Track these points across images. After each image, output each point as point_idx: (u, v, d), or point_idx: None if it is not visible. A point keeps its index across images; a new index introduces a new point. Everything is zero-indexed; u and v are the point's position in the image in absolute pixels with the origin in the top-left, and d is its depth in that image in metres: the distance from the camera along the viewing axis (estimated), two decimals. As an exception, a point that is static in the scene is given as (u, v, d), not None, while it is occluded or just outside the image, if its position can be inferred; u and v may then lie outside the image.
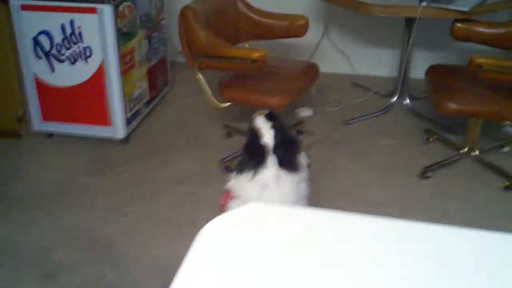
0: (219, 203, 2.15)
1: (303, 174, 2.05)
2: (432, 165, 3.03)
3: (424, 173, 2.98)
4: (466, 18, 2.94)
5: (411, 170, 3.03)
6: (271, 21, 3.17)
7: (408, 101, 3.68)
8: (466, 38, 3.04)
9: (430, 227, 1.20)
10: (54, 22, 3.04)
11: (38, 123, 3.36)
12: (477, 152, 3.06)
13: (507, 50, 3.07)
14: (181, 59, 3.35)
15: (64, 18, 3.02)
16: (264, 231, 1.15)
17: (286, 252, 1.08)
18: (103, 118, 3.25)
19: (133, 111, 3.38)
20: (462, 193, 2.84)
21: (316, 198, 2.69)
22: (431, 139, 3.31)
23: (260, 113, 2.14)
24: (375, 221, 1.22)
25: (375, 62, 4.22)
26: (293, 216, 1.24)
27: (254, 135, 2.05)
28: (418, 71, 3.84)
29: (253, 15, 3.19)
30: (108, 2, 2.94)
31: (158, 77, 3.75)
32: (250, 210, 1.22)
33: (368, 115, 3.61)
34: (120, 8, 3.07)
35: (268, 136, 2.01)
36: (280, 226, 1.17)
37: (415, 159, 3.14)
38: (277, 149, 1.99)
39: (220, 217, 1.17)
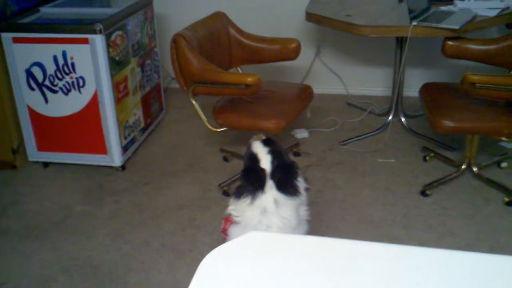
0: (221, 229, 2.13)
1: (302, 198, 2.03)
2: (431, 182, 3.03)
3: (424, 191, 2.97)
4: (456, 36, 2.96)
5: (411, 188, 3.03)
6: (263, 45, 3.19)
7: (403, 119, 3.68)
8: (458, 56, 3.06)
9: (431, 251, 1.18)
10: (46, 53, 3.04)
11: (33, 153, 3.35)
12: (475, 168, 3.06)
13: (498, 66, 3.09)
14: (175, 85, 3.36)
15: (56, 49, 3.03)
16: (266, 261, 1.14)
17: (289, 281, 1.07)
18: (99, 147, 3.24)
19: (129, 138, 3.37)
20: (464, 210, 2.83)
21: (316, 221, 2.69)
22: (428, 156, 3.31)
23: (256, 138, 2.13)
24: (377, 247, 1.21)
25: (369, 82, 4.24)
26: (294, 245, 1.22)
27: (251, 160, 2.04)
28: (412, 89, 3.86)
29: (244, 40, 3.20)
30: (100, 32, 2.95)
31: (153, 103, 3.75)
32: (251, 239, 1.21)
33: (364, 134, 3.61)
34: (112, 37, 3.08)
35: (265, 161, 2.00)
36: (281, 255, 1.16)
37: (414, 177, 3.14)
38: (275, 173, 1.98)
39: (221, 246, 1.16)
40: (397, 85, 3.57)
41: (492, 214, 2.79)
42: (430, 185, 3.00)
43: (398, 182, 3.10)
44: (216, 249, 1.15)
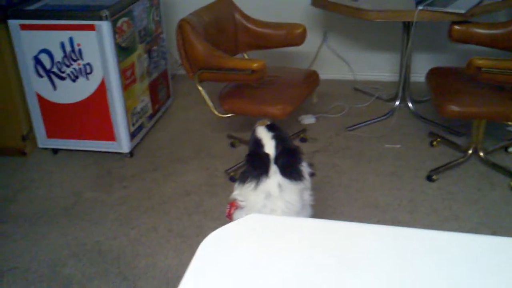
0: (226, 213, 2.15)
1: (306, 182, 2.04)
2: (438, 167, 3.03)
3: (431, 176, 2.97)
4: (463, 20, 2.94)
5: (417, 174, 3.03)
6: (269, 30, 3.19)
7: (410, 104, 3.67)
8: (464, 40, 3.04)
9: (436, 233, 1.19)
10: (53, 40, 3.07)
11: (43, 140, 3.38)
12: (482, 153, 3.05)
13: (505, 51, 3.07)
14: (182, 71, 3.38)
15: (63, 36, 3.04)
16: (265, 242, 1.15)
17: (286, 262, 1.09)
18: (107, 134, 3.27)
19: (137, 125, 3.39)
20: (470, 195, 2.83)
21: (322, 205, 2.71)
22: (435, 142, 3.30)
23: (260, 123, 2.14)
24: (378, 229, 1.22)
25: (376, 67, 4.22)
26: (295, 227, 1.24)
27: (256, 146, 2.05)
28: (418, 74, 3.85)
29: (250, 26, 3.20)
30: (106, 19, 2.97)
31: (160, 90, 3.77)
32: (251, 221, 1.23)
33: (371, 120, 3.61)
34: (118, 23, 3.10)
35: (269, 146, 2.02)
36: (281, 237, 1.18)
37: (420, 162, 3.14)
38: (279, 158, 1.99)
39: (221, 228, 1.18)
40: (404, 70, 3.56)
41: (497, 199, 2.79)
42: (436, 170, 3.00)
43: (404, 167, 3.10)
44: (217, 230, 1.17)
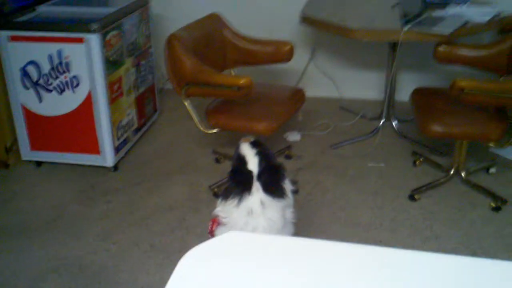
0: (208, 230, 2.15)
1: (289, 200, 2.06)
2: (420, 187, 3.05)
3: (413, 195, 2.99)
4: (448, 41, 2.99)
5: (400, 193, 3.05)
6: (257, 47, 3.22)
7: (394, 124, 3.71)
8: (449, 61, 3.09)
9: (417, 253, 1.20)
10: (41, 52, 3.07)
11: (26, 152, 3.36)
12: (463, 173, 3.08)
13: (489, 72, 3.12)
14: (170, 86, 3.38)
15: (52, 48, 3.05)
16: (244, 260, 1.16)
17: (266, 281, 1.09)
18: (92, 147, 3.26)
19: (122, 139, 3.39)
20: (451, 215, 2.86)
21: (304, 223, 2.72)
22: (418, 161, 3.33)
23: (245, 140, 2.16)
24: (359, 248, 1.23)
25: (362, 86, 4.26)
26: (274, 245, 1.25)
27: (239, 162, 2.06)
28: (404, 94, 3.88)
29: (239, 42, 3.23)
30: (95, 32, 2.98)
31: (147, 104, 3.77)
32: (231, 238, 1.23)
33: (356, 138, 3.64)
34: (107, 37, 3.11)
35: (253, 163, 2.03)
36: (260, 255, 1.18)
37: (403, 181, 3.16)
38: (262, 175, 2.00)
39: (200, 245, 1.18)
40: (389, 89, 3.60)
41: (478, 220, 2.82)
42: (418, 190, 3.03)
43: (387, 186, 3.12)
44: (196, 247, 1.17)
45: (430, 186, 3.06)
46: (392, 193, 3.05)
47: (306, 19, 3.38)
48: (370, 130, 3.71)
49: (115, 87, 3.25)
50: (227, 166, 3.30)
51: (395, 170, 3.29)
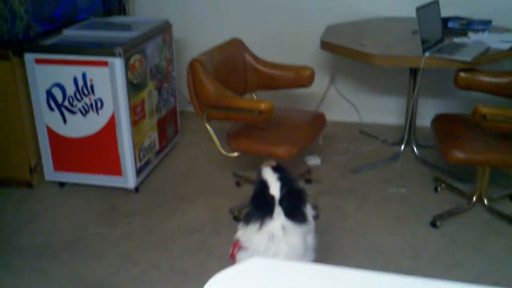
0: (229, 254, 2.16)
1: (310, 225, 2.06)
2: (442, 214, 3.02)
3: (434, 222, 2.97)
4: (469, 68, 2.99)
5: (421, 219, 3.03)
6: (277, 72, 3.24)
7: (415, 149, 3.69)
8: (470, 87, 3.08)
9: (439, 283, 1.19)
10: (66, 75, 3.13)
11: (50, 173, 3.41)
12: (486, 200, 3.05)
13: (510, 99, 3.10)
14: (191, 109, 3.43)
15: (77, 71, 3.11)
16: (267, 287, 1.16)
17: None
18: (114, 168, 3.29)
19: (144, 161, 3.43)
20: (474, 243, 2.82)
21: (325, 249, 2.70)
22: (440, 187, 3.31)
23: (267, 164, 2.17)
24: (381, 277, 1.22)
25: (382, 111, 4.26)
26: (297, 272, 1.25)
27: (261, 187, 2.07)
28: (424, 119, 3.87)
29: (260, 67, 3.26)
30: (119, 56, 3.04)
31: (168, 127, 3.81)
32: (254, 265, 1.24)
33: (377, 163, 3.63)
34: (131, 61, 3.16)
35: (275, 188, 2.03)
36: (283, 283, 1.18)
37: (424, 208, 3.14)
38: (283, 200, 2.01)
39: (223, 272, 1.19)
40: (410, 115, 3.60)
41: (501, 248, 2.78)
42: (440, 217, 3.00)
43: (408, 212, 3.10)
44: (219, 274, 1.18)
45: (452, 213, 3.03)
46: (414, 220, 3.03)
47: (326, 45, 3.41)
48: (391, 155, 3.70)
49: (138, 109, 3.30)
50: (247, 189, 3.32)
51: (416, 196, 3.27)
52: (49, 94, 3.20)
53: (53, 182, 3.46)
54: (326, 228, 2.96)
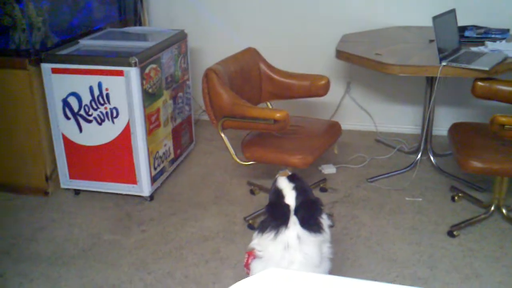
0: (244, 262, 2.15)
1: (326, 235, 2.04)
2: (459, 223, 2.99)
3: (452, 231, 2.93)
4: (486, 77, 2.96)
5: (438, 228, 2.99)
6: (292, 81, 3.24)
7: (432, 158, 3.66)
8: (488, 96, 3.04)
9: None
10: (83, 84, 3.15)
11: (65, 181, 3.44)
12: (504, 210, 3.01)
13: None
14: (206, 117, 3.44)
15: (93, 80, 3.13)
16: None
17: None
18: (129, 176, 3.31)
19: (158, 169, 3.43)
20: (492, 252, 2.78)
21: (340, 258, 2.69)
22: (457, 196, 3.27)
23: (282, 174, 2.16)
24: None
25: (398, 119, 4.24)
26: (313, 284, 1.23)
27: (276, 196, 2.06)
28: (441, 128, 3.85)
29: (275, 76, 3.26)
30: (135, 65, 3.05)
31: (183, 135, 3.82)
32: (270, 276, 1.23)
33: (393, 172, 3.60)
34: (146, 70, 3.18)
35: (290, 197, 2.03)
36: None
37: (441, 217, 3.10)
38: (299, 210, 2.00)
39: (239, 282, 1.18)
40: (426, 123, 3.57)
41: (520, 258, 2.74)
42: (457, 226, 2.97)
43: (425, 221, 3.07)
44: (235, 284, 1.17)
45: (469, 222, 3.00)
46: (430, 229, 3.00)
47: (341, 54, 3.40)
48: (407, 164, 3.67)
49: (153, 118, 3.31)
50: (262, 197, 3.32)
51: (433, 205, 3.24)
52: (65, 103, 3.22)
53: (68, 190, 3.48)
54: (342, 237, 2.94)
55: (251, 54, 3.26)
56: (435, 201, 3.28)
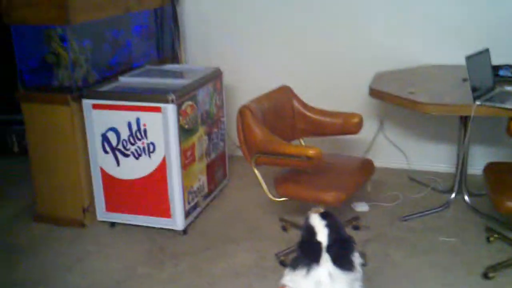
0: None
1: (358, 273, 2.04)
2: (495, 265, 2.93)
3: (487, 273, 2.88)
4: (522, 116, 2.94)
5: (473, 270, 2.94)
6: (326, 118, 3.27)
7: (467, 197, 3.62)
8: (523, 136, 3.02)
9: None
10: (121, 119, 3.26)
11: (102, 213, 3.52)
12: (542, 252, 2.96)
13: None
14: (240, 153, 3.50)
15: (131, 116, 3.23)
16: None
17: None
18: (163, 210, 3.36)
19: (192, 203, 3.48)
20: (528, 296, 2.73)
21: (372, 297, 2.66)
22: (492, 237, 3.22)
23: (314, 211, 2.18)
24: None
25: (432, 158, 4.21)
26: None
27: (308, 233, 2.08)
28: (476, 167, 3.80)
29: (308, 113, 3.30)
30: (172, 102, 3.14)
31: (217, 170, 3.88)
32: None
33: (426, 211, 3.57)
34: (183, 107, 3.27)
35: (322, 234, 2.04)
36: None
37: (476, 258, 3.05)
38: (331, 247, 2.01)
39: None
40: (461, 162, 3.54)
41: (559, 303, 2.67)
42: (493, 268, 2.91)
43: (459, 262, 3.02)
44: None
45: (505, 265, 2.93)
46: (465, 270, 2.95)
47: (374, 92, 3.43)
48: (441, 203, 3.63)
49: (188, 153, 3.38)
50: (293, 234, 3.32)
51: (467, 245, 3.19)
52: (104, 137, 3.33)
53: (104, 222, 3.55)
54: (374, 276, 2.91)
55: (285, 92, 3.33)
56: (469, 241, 3.23)
